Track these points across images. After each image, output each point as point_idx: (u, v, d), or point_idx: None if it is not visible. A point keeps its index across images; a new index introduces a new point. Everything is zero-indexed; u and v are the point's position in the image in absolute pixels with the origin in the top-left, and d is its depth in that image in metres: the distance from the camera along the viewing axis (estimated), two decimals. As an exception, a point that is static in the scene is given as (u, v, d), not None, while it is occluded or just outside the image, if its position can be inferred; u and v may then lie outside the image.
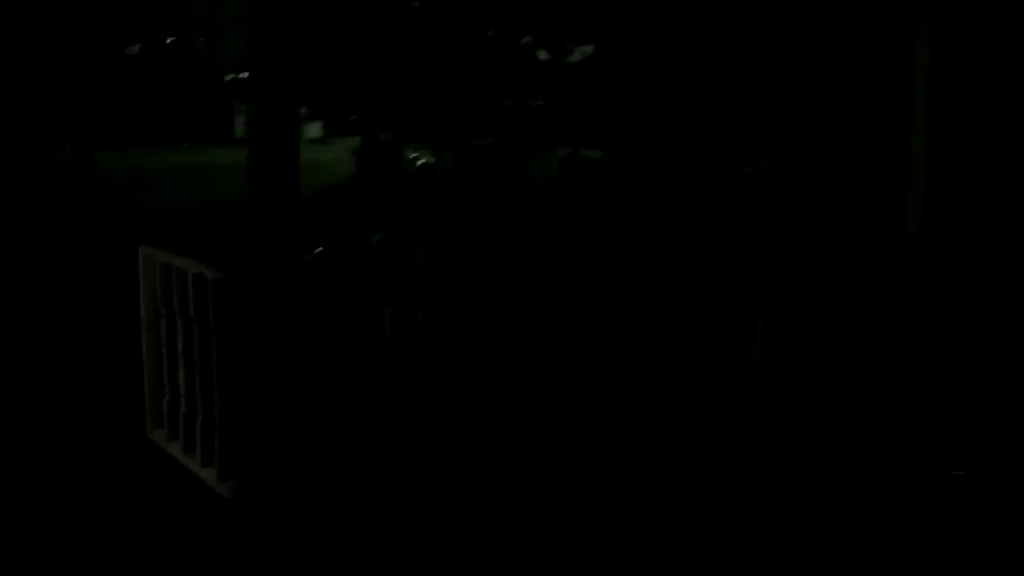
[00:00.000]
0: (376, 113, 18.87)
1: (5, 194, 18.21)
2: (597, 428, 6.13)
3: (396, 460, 5.60)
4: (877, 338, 6.66)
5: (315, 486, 5.44)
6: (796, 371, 6.55)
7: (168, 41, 33.69)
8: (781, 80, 15.23)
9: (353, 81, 18.36)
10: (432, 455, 5.68)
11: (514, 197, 15.95)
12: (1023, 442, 6.08)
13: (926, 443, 6.14)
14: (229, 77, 32.79)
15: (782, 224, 11.98)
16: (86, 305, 9.94)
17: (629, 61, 14.19)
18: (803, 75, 14.34)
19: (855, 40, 10.49)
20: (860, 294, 6.73)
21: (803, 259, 6.93)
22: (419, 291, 5.81)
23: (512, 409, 5.93)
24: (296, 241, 6.30)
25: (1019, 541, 5.16)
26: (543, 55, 17.64)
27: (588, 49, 17.21)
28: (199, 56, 33.16)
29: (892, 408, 6.36)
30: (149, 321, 6.10)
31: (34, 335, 8.97)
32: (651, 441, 6.16)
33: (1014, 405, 6.26)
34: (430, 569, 4.82)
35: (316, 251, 8.44)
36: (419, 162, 18.86)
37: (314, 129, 23.21)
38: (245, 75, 19.73)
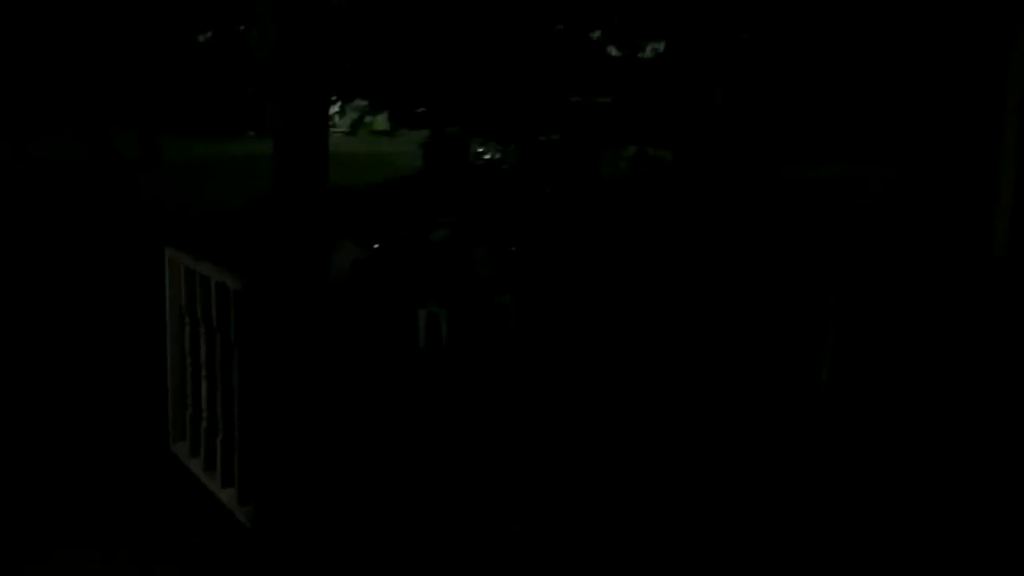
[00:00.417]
0: (443, 106, 18.60)
1: (66, 182, 18.09)
2: (660, 437, 5.74)
3: (432, 490, 5.19)
4: (957, 363, 6.22)
5: (342, 518, 5.02)
6: (866, 389, 6.15)
7: (240, 28, 33.57)
8: (861, 79, 14.70)
9: (421, 73, 18.07)
10: (477, 485, 5.25)
11: (580, 195, 15.59)
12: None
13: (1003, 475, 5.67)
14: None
15: (858, 232, 11.48)
16: (136, 300, 9.63)
17: (702, 58, 13.73)
18: (885, 75, 13.78)
19: (945, 40, 9.93)
20: (938, 317, 6.29)
21: (879, 272, 6.52)
22: (479, 291, 5.43)
23: (579, 416, 5.51)
24: (323, 248, 5.92)
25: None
26: (613, 51, 17.19)
27: (660, 46, 16.72)
28: (269, 45, 32.95)
29: (969, 433, 5.92)
30: (174, 328, 5.73)
31: (80, 329, 8.67)
32: (715, 452, 5.76)
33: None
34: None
35: (373, 247, 8.08)
36: (485, 157, 18.55)
37: (380, 121, 22.85)
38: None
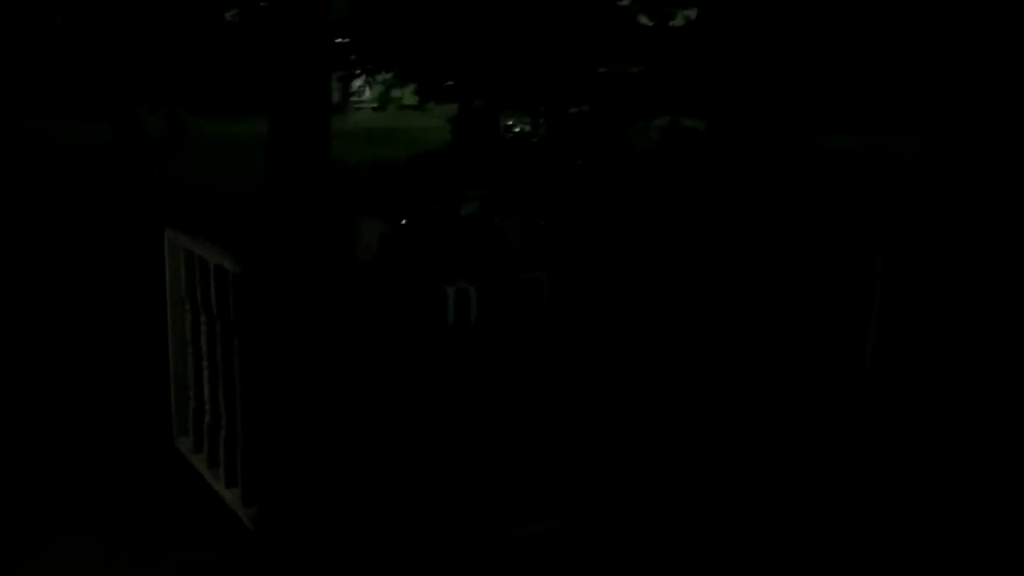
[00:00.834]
0: (471, 78, 18.29)
1: (90, 163, 17.81)
2: (698, 418, 5.36)
3: (455, 492, 4.81)
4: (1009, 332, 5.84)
5: (351, 523, 4.65)
6: (914, 363, 5.77)
7: (263, 4, 33.22)
8: (896, 47, 14.26)
9: (447, 44, 17.75)
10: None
11: (611, 167, 15.27)
12: None
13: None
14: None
15: (898, 204, 11.07)
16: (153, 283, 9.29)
17: (734, 27, 13.28)
18: (920, 43, 13.34)
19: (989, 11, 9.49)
20: (986, 286, 5.93)
21: (921, 247, 6.16)
22: (510, 267, 5.05)
23: (617, 395, 5.13)
24: (326, 229, 5.52)
25: None
26: (644, 19, 16.79)
27: (691, 13, 16.29)
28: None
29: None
30: (175, 315, 5.37)
31: (92, 314, 8.34)
32: (750, 444, 5.39)
33: None
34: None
35: (400, 222, 7.76)
36: (514, 130, 18.25)
37: (409, 95, 22.51)
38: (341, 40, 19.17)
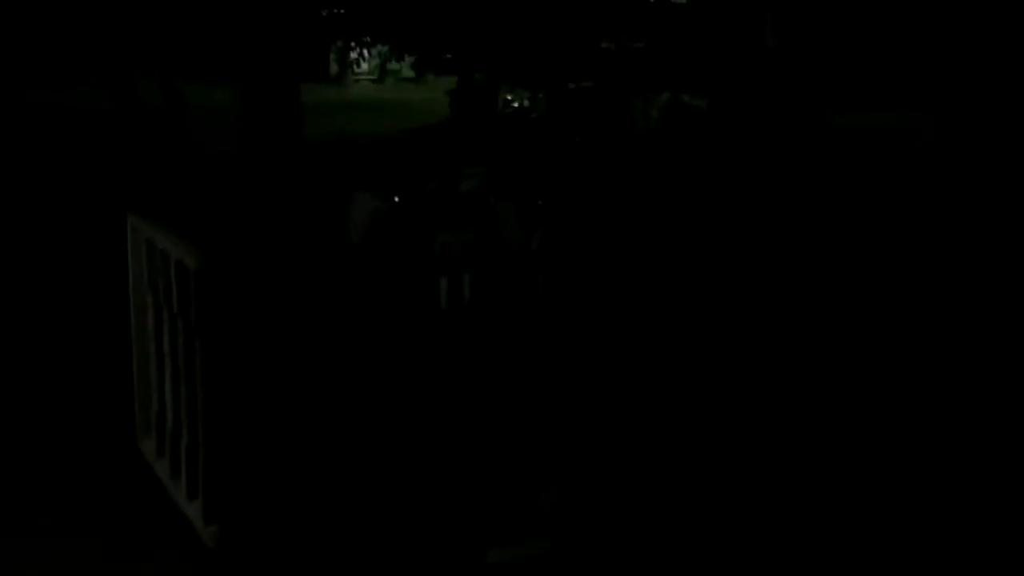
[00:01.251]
0: (470, 51, 17.98)
1: (88, 130, 17.39)
2: (703, 408, 4.99)
3: (429, 504, 4.41)
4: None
5: (322, 545, 4.25)
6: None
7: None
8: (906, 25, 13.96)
9: (446, 15, 17.42)
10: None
11: (610, 144, 14.98)
12: None
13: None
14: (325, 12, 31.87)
15: (911, 187, 10.73)
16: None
17: (738, 3, 12.92)
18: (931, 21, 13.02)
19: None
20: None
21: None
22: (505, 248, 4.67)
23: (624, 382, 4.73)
24: (303, 209, 5.11)
25: None
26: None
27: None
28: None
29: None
30: (138, 309, 4.97)
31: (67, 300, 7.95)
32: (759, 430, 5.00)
33: None
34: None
35: (394, 199, 7.42)
36: (513, 105, 17.96)
37: (407, 68, 22.14)
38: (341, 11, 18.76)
